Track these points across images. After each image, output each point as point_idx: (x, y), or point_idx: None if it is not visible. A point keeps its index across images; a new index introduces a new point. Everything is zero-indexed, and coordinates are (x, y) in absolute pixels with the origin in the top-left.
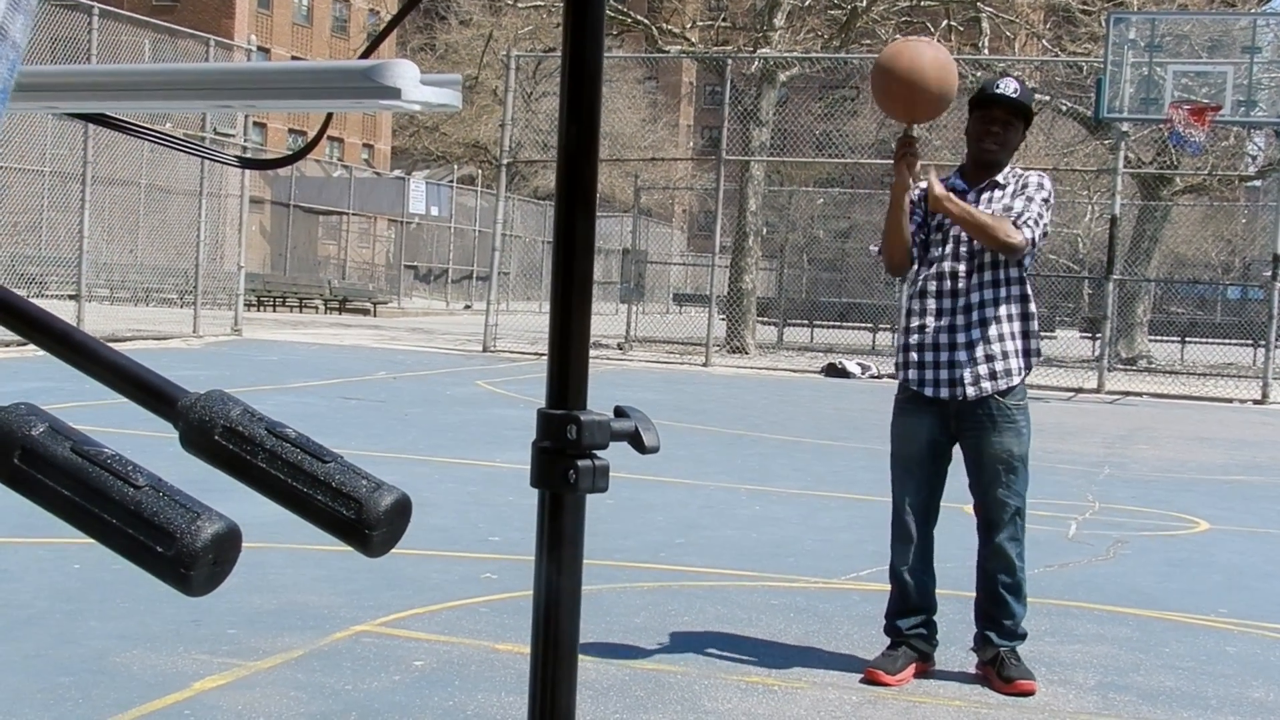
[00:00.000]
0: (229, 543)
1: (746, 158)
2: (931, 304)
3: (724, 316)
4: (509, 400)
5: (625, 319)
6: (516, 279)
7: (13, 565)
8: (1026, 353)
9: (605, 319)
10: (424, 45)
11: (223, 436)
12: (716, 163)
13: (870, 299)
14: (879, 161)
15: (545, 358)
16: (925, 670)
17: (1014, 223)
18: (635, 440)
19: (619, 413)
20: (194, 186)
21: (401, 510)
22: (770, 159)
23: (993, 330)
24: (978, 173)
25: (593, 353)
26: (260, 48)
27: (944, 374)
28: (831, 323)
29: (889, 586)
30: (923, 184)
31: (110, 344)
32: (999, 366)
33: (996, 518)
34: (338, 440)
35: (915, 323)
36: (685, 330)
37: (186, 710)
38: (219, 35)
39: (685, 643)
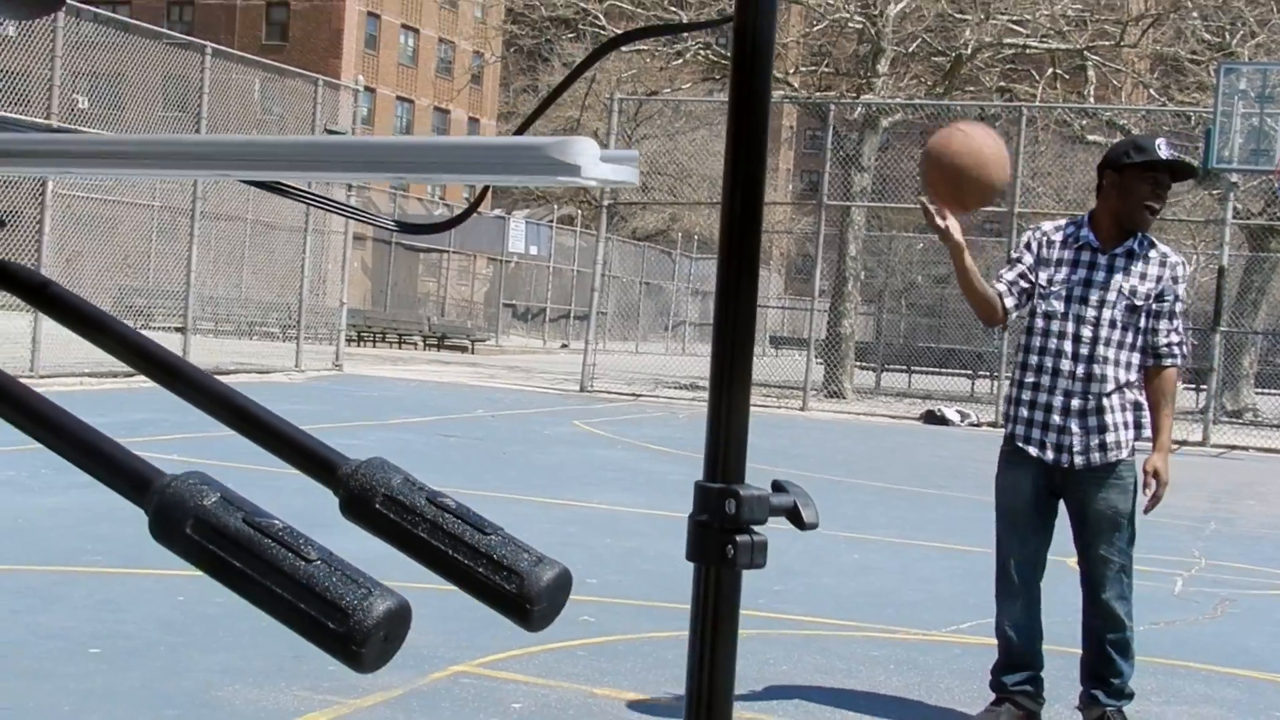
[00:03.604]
0: (399, 619)
1: (847, 203)
2: (1049, 362)
3: (821, 361)
4: (606, 441)
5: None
6: (614, 319)
7: (120, 596)
8: (1138, 424)
9: (702, 360)
10: (527, 87)
11: (383, 505)
12: (817, 207)
13: (969, 345)
14: (979, 209)
15: (640, 399)
16: None
17: (1175, 341)
18: (794, 517)
19: (777, 487)
20: (299, 223)
21: (562, 585)
22: (871, 204)
23: (1105, 402)
24: (1117, 234)
25: (689, 395)
26: (367, 88)
27: (1052, 437)
28: (930, 369)
29: (991, 640)
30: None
31: (215, 376)
32: (1109, 438)
33: (1102, 575)
34: (436, 477)
35: (1028, 379)
36: (781, 374)
37: None
38: (326, 74)
39: (784, 692)
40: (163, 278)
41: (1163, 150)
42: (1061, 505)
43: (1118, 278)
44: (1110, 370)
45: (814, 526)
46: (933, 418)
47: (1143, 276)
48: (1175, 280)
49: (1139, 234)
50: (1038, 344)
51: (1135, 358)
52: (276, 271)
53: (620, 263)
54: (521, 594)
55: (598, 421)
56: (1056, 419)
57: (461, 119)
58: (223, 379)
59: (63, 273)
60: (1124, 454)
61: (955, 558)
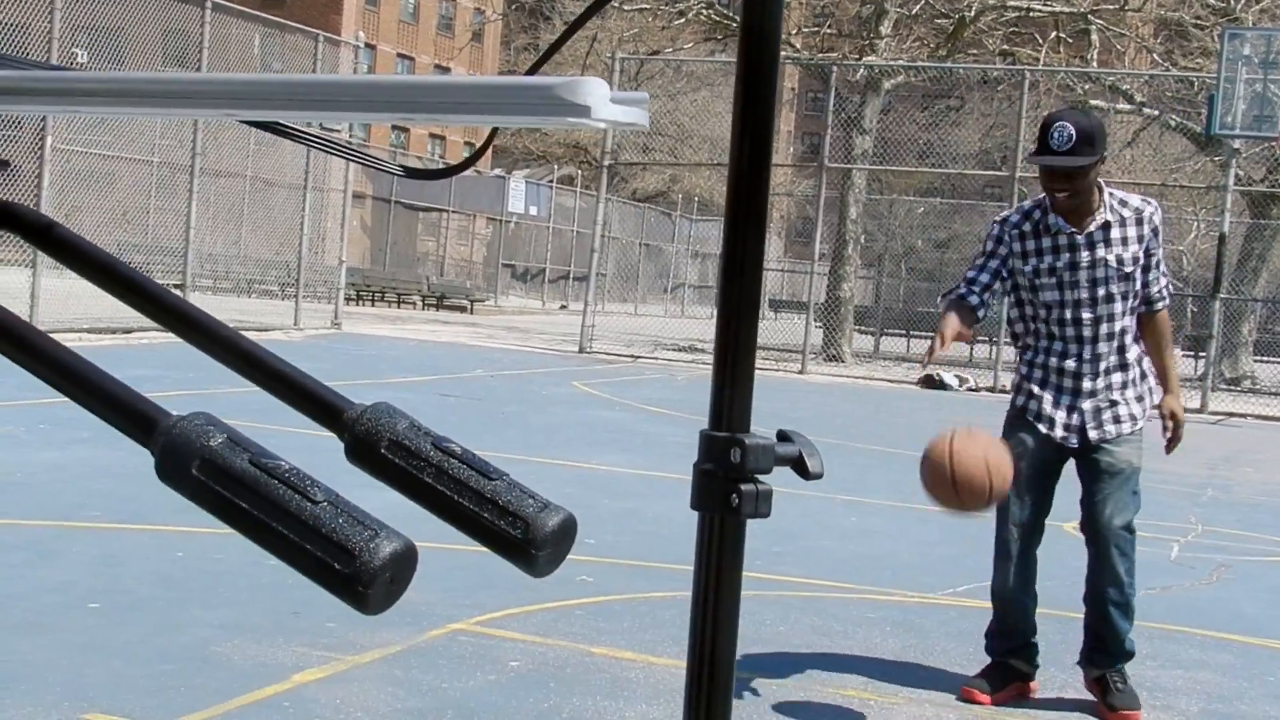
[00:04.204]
0: (405, 561)
1: (849, 165)
2: (1056, 347)
3: (820, 324)
4: (605, 402)
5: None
6: (613, 281)
7: (119, 551)
8: (1150, 392)
9: (701, 323)
10: (528, 45)
11: (389, 450)
12: (818, 170)
13: None
14: (981, 172)
15: (639, 360)
16: (1024, 691)
17: (1163, 285)
18: (799, 466)
19: (782, 436)
20: (298, 180)
21: (567, 530)
22: (872, 167)
23: (1116, 378)
24: (1069, 214)
25: (690, 357)
26: (367, 44)
27: (1062, 416)
28: (929, 333)
29: (988, 603)
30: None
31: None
32: (1122, 412)
33: (1106, 530)
34: None
35: (1037, 364)
36: (781, 337)
37: (285, 702)
38: (326, 30)
39: (781, 654)
40: (161, 234)
41: (1050, 140)
42: (1069, 465)
43: (1100, 252)
44: (1115, 344)
45: (819, 476)
46: (931, 382)
47: (1124, 242)
48: (1155, 232)
49: (1111, 201)
50: (1043, 331)
51: (1132, 331)
52: (276, 229)
53: (620, 224)
54: (527, 539)
55: (596, 383)
56: (1067, 399)
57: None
58: None
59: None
60: (1138, 425)
61: (953, 521)
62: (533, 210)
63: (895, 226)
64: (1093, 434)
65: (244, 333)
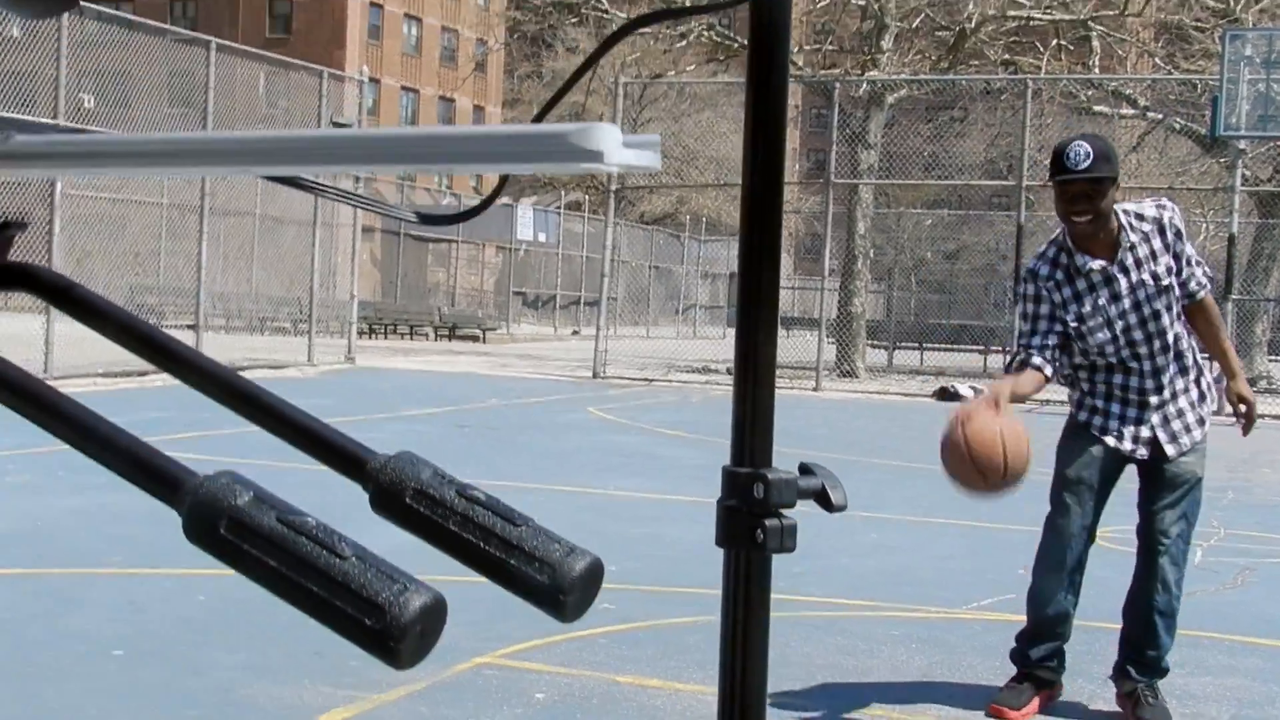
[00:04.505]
0: (436, 614)
1: (855, 181)
2: (1117, 379)
3: (833, 340)
4: (620, 427)
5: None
6: (624, 304)
7: (141, 596)
8: (1210, 387)
9: (713, 343)
10: (531, 73)
11: (414, 500)
12: (825, 186)
13: (980, 320)
14: (988, 183)
15: (653, 383)
16: (1051, 698)
17: (1199, 276)
18: (822, 499)
19: (804, 469)
20: (307, 216)
21: (594, 575)
22: (878, 182)
23: (1179, 384)
24: (1090, 243)
25: (704, 377)
26: (371, 78)
27: (1130, 430)
28: (942, 345)
29: (1011, 616)
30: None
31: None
32: (1191, 419)
33: (1162, 538)
34: (452, 468)
35: (1099, 377)
36: (794, 354)
37: None
38: (330, 66)
39: (807, 675)
40: (173, 275)
41: (1068, 160)
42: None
43: (1135, 275)
44: (1172, 353)
45: (842, 508)
46: (946, 394)
47: (1154, 256)
48: (1178, 235)
49: (1127, 219)
50: (1101, 364)
51: (1185, 342)
52: (286, 266)
53: (629, 247)
54: (554, 584)
55: (611, 407)
56: (1134, 413)
57: (467, 107)
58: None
59: (74, 273)
60: (1205, 430)
61: (973, 535)
62: (541, 237)
63: (904, 239)
64: (1170, 449)
65: (258, 370)
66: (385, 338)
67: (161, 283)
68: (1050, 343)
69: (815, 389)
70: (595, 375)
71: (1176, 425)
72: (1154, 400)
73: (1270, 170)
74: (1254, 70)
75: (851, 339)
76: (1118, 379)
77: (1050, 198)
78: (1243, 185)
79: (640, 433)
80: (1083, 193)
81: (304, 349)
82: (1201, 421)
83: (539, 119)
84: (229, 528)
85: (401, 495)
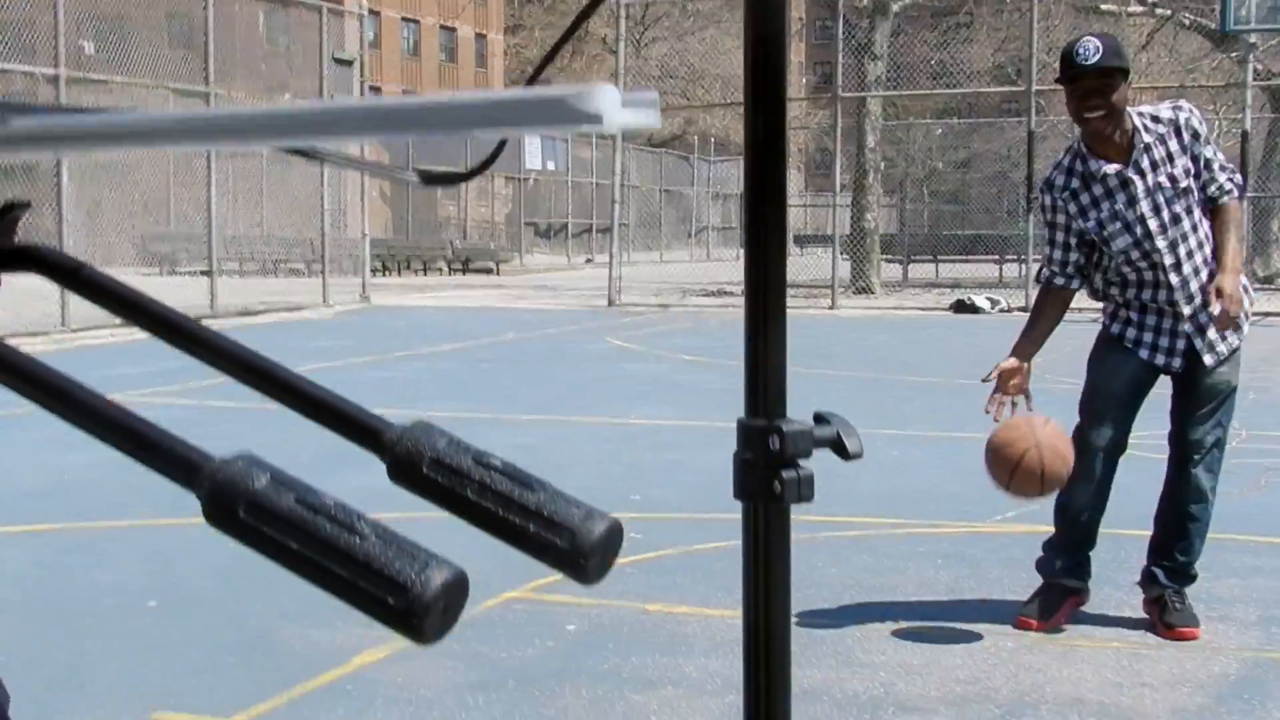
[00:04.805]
0: (458, 589)
1: (863, 94)
2: (1147, 291)
3: (847, 257)
4: (639, 355)
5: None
6: (636, 230)
7: (169, 547)
8: (1248, 289)
9: (727, 265)
10: None
11: (431, 469)
12: (833, 100)
13: (995, 229)
14: (997, 89)
15: (669, 309)
16: (1079, 604)
17: (1222, 181)
18: (838, 447)
19: (819, 419)
20: None
21: (614, 537)
22: (886, 94)
23: (1217, 305)
24: (1105, 146)
25: (719, 300)
26: (371, 11)
27: (1164, 341)
28: (957, 256)
29: (1038, 527)
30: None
31: (245, 317)
32: (1236, 334)
33: (1197, 447)
34: (471, 404)
35: (1129, 293)
36: (809, 273)
37: (349, 685)
38: (330, 1)
39: (834, 595)
40: (184, 222)
41: (1077, 56)
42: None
43: (1151, 178)
44: (1200, 260)
45: (858, 456)
46: (963, 306)
47: (1170, 159)
48: (1195, 135)
49: (1141, 121)
50: (1131, 277)
51: (1206, 224)
52: (297, 206)
53: (639, 171)
54: (575, 548)
55: (628, 335)
56: (1169, 323)
57: (469, 35)
58: (254, 320)
59: (84, 223)
60: (1243, 335)
61: None
62: (550, 165)
63: (914, 151)
64: (1208, 359)
65: (275, 313)
66: (399, 274)
67: (172, 230)
68: (1072, 258)
69: (831, 307)
70: (610, 303)
71: (1213, 333)
72: (1186, 310)
73: None
74: None
75: (866, 255)
76: (1147, 294)
77: (1061, 101)
78: (1255, 80)
79: (659, 359)
80: (1094, 88)
81: (319, 290)
82: (1238, 326)
83: (534, 77)
84: (248, 511)
85: (419, 465)
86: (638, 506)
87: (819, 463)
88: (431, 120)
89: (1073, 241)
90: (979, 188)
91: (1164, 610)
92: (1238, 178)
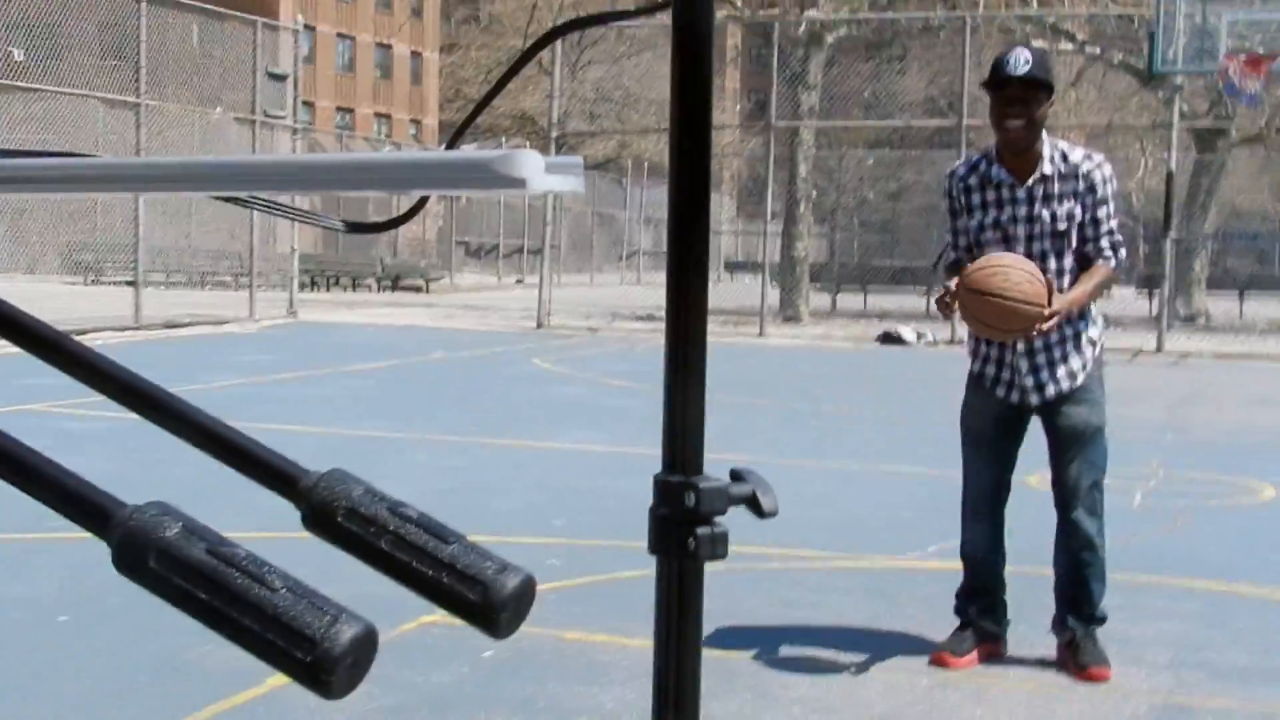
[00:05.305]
0: (367, 644)
1: (796, 123)
2: None
3: (777, 284)
4: (566, 378)
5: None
6: (568, 252)
7: (86, 560)
8: (1093, 342)
9: (657, 290)
10: (469, 17)
11: (345, 518)
12: (766, 128)
13: (923, 260)
14: (928, 122)
15: (599, 333)
16: (995, 651)
17: (1103, 246)
18: (753, 505)
19: (735, 476)
20: None
21: (527, 592)
22: (819, 124)
23: (1054, 334)
24: (1013, 159)
25: (648, 325)
26: (306, 25)
27: (1009, 375)
28: (885, 286)
29: (958, 564)
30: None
31: (169, 329)
32: (1073, 366)
33: (1073, 492)
34: (397, 424)
35: None
36: (738, 299)
37: (261, 706)
38: (265, 14)
39: (753, 627)
40: (110, 231)
41: (1006, 65)
42: (1034, 421)
43: (1038, 208)
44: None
45: (773, 514)
46: (889, 338)
47: (1060, 198)
48: (1092, 187)
49: (1053, 153)
50: None
51: (1074, 275)
52: (226, 219)
53: (571, 194)
54: (486, 603)
55: (556, 358)
56: (1009, 358)
57: (404, 53)
58: (178, 333)
59: (8, 231)
60: (1084, 377)
61: (918, 482)
62: None
63: (846, 180)
64: (1033, 398)
65: (199, 326)
66: (328, 290)
67: (99, 240)
68: (962, 242)
69: (759, 335)
70: (539, 325)
71: (1058, 371)
72: (1037, 343)
73: (1207, 104)
74: (1190, 4)
75: (795, 283)
76: None
77: (993, 135)
78: (1180, 120)
79: (586, 383)
80: (1018, 97)
81: (245, 304)
82: (1084, 367)
83: (456, 136)
84: (158, 560)
85: (334, 514)
86: (560, 532)
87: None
88: (360, 179)
89: (961, 228)
90: (909, 219)
91: (1076, 652)
92: (1122, 252)
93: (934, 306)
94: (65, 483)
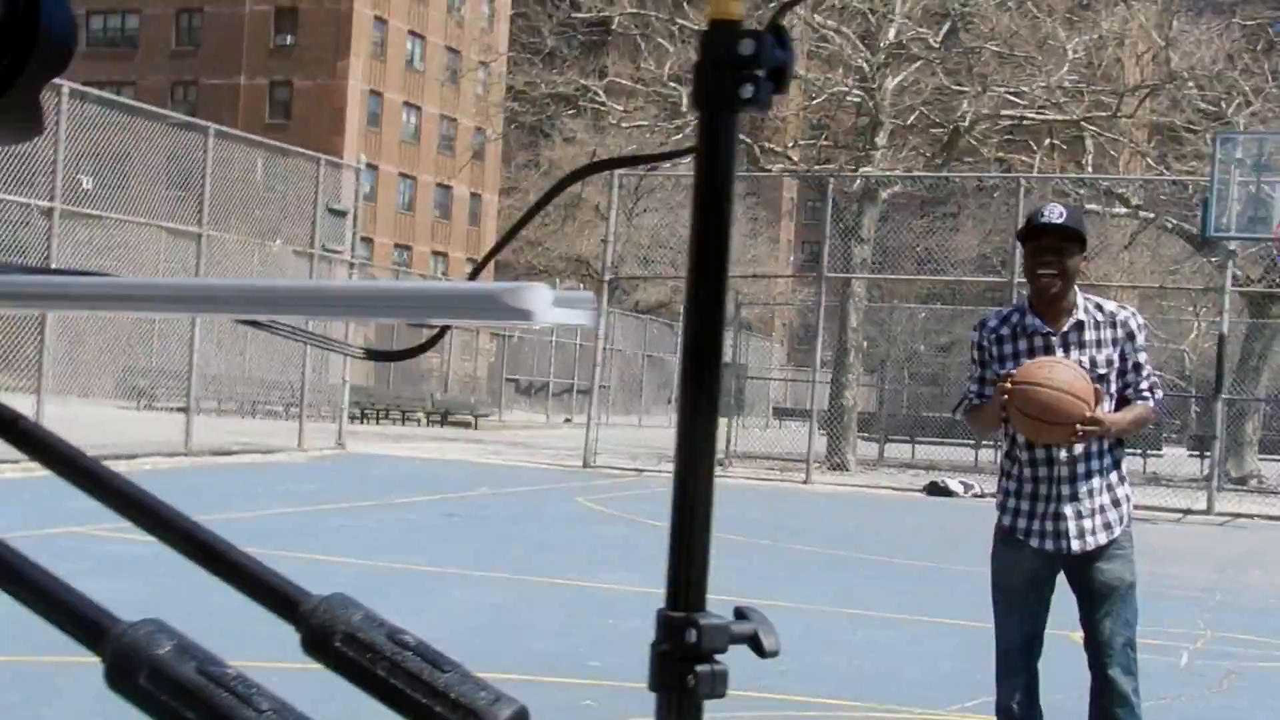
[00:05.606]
0: None
1: (848, 275)
2: (1035, 454)
3: (825, 432)
4: (609, 518)
5: (725, 433)
6: (617, 393)
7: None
8: (1128, 498)
9: None
10: (528, 162)
11: (343, 644)
12: (818, 279)
13: None
14: (980, 278)
15: (643, 474)
16: None
17: (1143, 389)
18: (755, 644)
19: (739, 614)
20: None
21: None
22: (871, 276)
23: (1096, 482)
24: (1047, 309)
25: None
26: (369, 165)
27: (1048, 525)
28: (933, 438)
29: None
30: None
31: (218, 456)
32: (1110, 517)
33: (1106, 649)
34: (439, 557)
35: (1014, 473)
36: (785, 445)
37: None
38: (330, 153)
39: None
40: (165, 357)
41: (1041, 216)
42: (1061, 578)
43: (1075, 354)
44: (1094, 450)
45: (774, 654)
46: (936, 489)
47: (1098, 344)
48: (1130, 336)
49: (1086, 304)
50: (1024, 457)
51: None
52: (279, 348)
53: (623, 336)
54: None
55: (601, 498)
56: (1050, 507)
57: (464, 194)
58: (226, 460)
59: (67, 355)
60: (1120, 530)
61: (958, 633)
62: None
63: (897, 332)
64: (1075, 544)
65: (248, 454)
66: (377, 423)
67: (153, 365)
68: (987, 391)
69: (805, 481)
70: (585, 464)
71: (1089, 523)
72: (1066, 492)
73: (1261, 270)
74: (1244, 172)
75: (843, 431)
76: (1030, 472)
77: None
78: (1233, 285)
79: (629, 524)
80: (1051, 248)
81: (294, 434)
82: (1122, 521)
83: (480, 266)
84: (149, 677)
85: (331, 639)
86: (595, 673)
87: (782, 639)
88: (376, 306)
89: (989, 378)
90: (958, 372)
91: None
92: (1159, 393)
93: (982, 457)
94: (62, 597)
